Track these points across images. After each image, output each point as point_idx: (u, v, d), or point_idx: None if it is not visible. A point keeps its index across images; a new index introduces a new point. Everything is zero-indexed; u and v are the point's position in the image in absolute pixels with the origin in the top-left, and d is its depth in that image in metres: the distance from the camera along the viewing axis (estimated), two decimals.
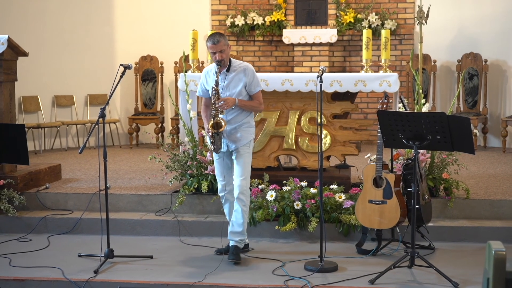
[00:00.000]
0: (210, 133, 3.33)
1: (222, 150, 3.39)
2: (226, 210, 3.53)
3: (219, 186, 3.49)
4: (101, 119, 3.31)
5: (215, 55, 3.29)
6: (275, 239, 3.81)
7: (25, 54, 4.32)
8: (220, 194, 3.51)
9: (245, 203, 3.38)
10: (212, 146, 3.35)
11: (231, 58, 3.42)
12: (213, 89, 3.29)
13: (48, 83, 6.35)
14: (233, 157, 3.41)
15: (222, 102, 3.26)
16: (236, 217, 3.40)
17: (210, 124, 3.30)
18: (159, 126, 6.59)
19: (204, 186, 3.94)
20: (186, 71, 4.33)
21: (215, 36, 3.31)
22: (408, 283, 3.04)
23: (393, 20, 6.61)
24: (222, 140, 3.36)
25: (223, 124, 3.29)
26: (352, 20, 6.61)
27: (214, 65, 3.38)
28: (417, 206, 3.29)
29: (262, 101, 3.45)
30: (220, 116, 3.29)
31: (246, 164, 3.38)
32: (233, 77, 3.36)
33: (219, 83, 3.32)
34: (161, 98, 6.78)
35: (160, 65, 6.77)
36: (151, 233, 3.95)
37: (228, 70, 3.37)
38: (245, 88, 3.37)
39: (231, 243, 3.43)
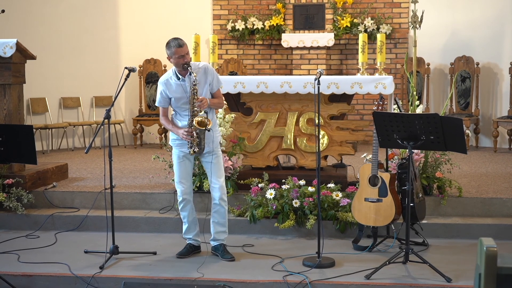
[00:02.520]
0: (194, 134, 3.20)
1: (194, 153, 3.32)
2: (185, 213, 3.44)
3: (179, 190, 3.40)
4: (106, 120, 3.34)
5: (182, 57, 3.21)
6: (274, 236, 3.85)
7: (33, 57, 4.36)
8: (179, 198, 3.42)
9: (227, 203, 3.43)
10: (195, 148, 3.22)
11: None
12: (192, 89, 3.20)
13: (55, 86, 6.41)
14: (206, 159, 3.35)
15: (202, 103, 3.18)
16: (218, 218, 3.41)
17: (196, 121, 3.19)
18: (162, 127, 6.67)
19: (206, 185, 3.96)
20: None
21: (178, 40, 3.25)
22: (402, 278, 3.09)
23: (388, 25, 6.70)
24: (205, 144, 3.25)
25: (208, 123, 3.19)
26: (349, 25, 6.72)
27: (169, 73, 3.32)
28: (411, 204, 3.33)
29: (223, 96, 3.42)
30: (202, 114, 3.19)
31: (221, 166, 3.39)
32: (197, 79, 3.29)
33: (185, 88, 3.22)
34: None
35: (163, 68, 6.84)
36: (154, 230, 3.98)
37: (189, 74, 3.28)
38: (209, 86, 3.33)
39: (218, 243, 3.44)
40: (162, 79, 3.38)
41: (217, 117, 3.83)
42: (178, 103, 3.33)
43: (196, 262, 3.38)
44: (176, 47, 3.24)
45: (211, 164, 3.36)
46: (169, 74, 3.36)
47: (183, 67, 3.25)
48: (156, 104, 3.50)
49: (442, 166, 4.05)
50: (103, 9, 6.67)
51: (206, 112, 3.26)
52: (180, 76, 3.30)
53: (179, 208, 3.49)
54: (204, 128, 3.21)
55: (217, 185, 3.37)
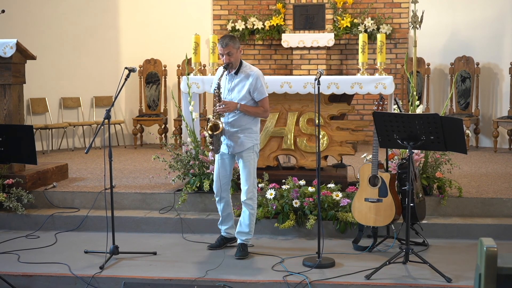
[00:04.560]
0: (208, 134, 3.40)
1: (223, 151, 3.45)
2: (220, 207, 3.59)
3: (215, 186, 3.55)
4: (106, 120, 3.35)
5: (222, 56, 3.35)
6: (274, 236, 3.86)
7: (33, 57, 4.37)
8: (215, 193, 3.56)
9: (252, 207, 3.47)
10: (211, 147, 3.43)
11: (244, 62, 3.42)
12: (215, 92, 3.35)
13: (55, 86, 6.42)
14: (238, 162, 3.47)
15: (223, 106, 3.29)
16: (244, 218, 3.49)
17: (208, 126, 3.34)
18: (163, 127, 6.66)
19: (206, 185, 3.99)
20: (188, 74, 4.40)
21: (224, 39, 3.34)
22: (402, 278, 3.09)
23: (388, 25, 6.71)
24: (222, 141, 3.41)
25: (220, 126, 3.31)
26: (349, 25, 6.73)
27: (221, 68, 3.46)
28: (411, 204, 3.34)
29: (268, 108, 3.44)
30: (220, 119, 3.33)
31: (251, 171, 3.43)
32: (239, 81, 3.39)
33: (226, 85, 3.38)
34: (165, 100, 6.86)
35: (163, 68, 6.85)
36: (154, 230, 3.99)
37: (236, 73, 3.39)
38: (250, 93, 3.37)
39: (238, 241, 3.52)
40: (221, 66, 3.49)
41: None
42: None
43: (196, 262, 3.39)
44: (218, 44, 3.38)
45: (240, 168, 3.48)
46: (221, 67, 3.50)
47: (223, 67, 3.39)
48: (211, 90, 3.64)
49: (442, 166, 4.06)
50: (103, 9, 6.68)
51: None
52: (226, 75, 3.45)
53: (216, 201, 3.61)
54: (211, 133, 3.35)
55: (243, 189, 3.48)
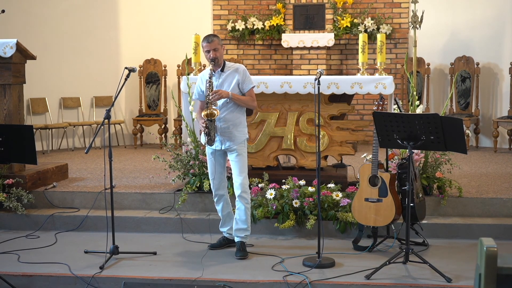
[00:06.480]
0: (204, 124, 3.39)
1: (215, 147, 3.46)
2: (219, 208, 3.60)
3: (212, 186, 3.56)
4: (106, 120, 3.36)
5: (209, 54, 3.41)
6: (274, 236, 3.86)
7: (33, 57, 4.37)
8: (213, 193, 3.57)
9: (247, 201, 3.48)
10: (206, 138, 3.41)
11: (225, 61, 3.52)
12: (207, 82, 3.39)
13: (55, 86, 6.42)
14: (230, 157, 3.48)
15: (215, 94, 3.34)
16: (240, 215, 3.48)
17: (204, 113, 3.37)
18: (163, 127, 6.67)
19: (206, 185, 3.99)
20: (188, 74, 4.40)
21: (209, 36, 3.47)
22: (402, 278, 3.09)
23: (388, 25, 6.72)
24: (216, 135, 3.42)
25: (215, 113, 3.36)
26: (349, 25, 6.73)
27: (208, 70, 3.49)
28: (411, 204, 3.34)
29: (255, 98, 3.53)
30: (213, 108, 3.37)
31: (244, 163, 3.46)
32: (226, 76, 3.47)
33: (214, 82, 3.43)
34: (165, 100, 6.87)
35: (163, 68, 6.86)
36: (154, 230, 4.00)
37: (222, 70, 3.47)
38: (238, 86, 3.46)
39: (237, 239, 3.52)
40: (200, 73, 3.62)
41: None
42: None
43: (196, 262, 3.39)
44: (204, 42, 3.45)
45: (233, 162, 3.48)
46: (206, 70, 3.53)
47: (210, 63, 3.44)
48: (193, 97, 3.77)
49: (442, 166, 4.06)
50: (103, 9, 6.68)
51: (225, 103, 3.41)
52: (213, 73, 3.47)
53: (214, 202, 3.62)
54: (207, 118, 3.38)
55: (237, 182, 3.47)
